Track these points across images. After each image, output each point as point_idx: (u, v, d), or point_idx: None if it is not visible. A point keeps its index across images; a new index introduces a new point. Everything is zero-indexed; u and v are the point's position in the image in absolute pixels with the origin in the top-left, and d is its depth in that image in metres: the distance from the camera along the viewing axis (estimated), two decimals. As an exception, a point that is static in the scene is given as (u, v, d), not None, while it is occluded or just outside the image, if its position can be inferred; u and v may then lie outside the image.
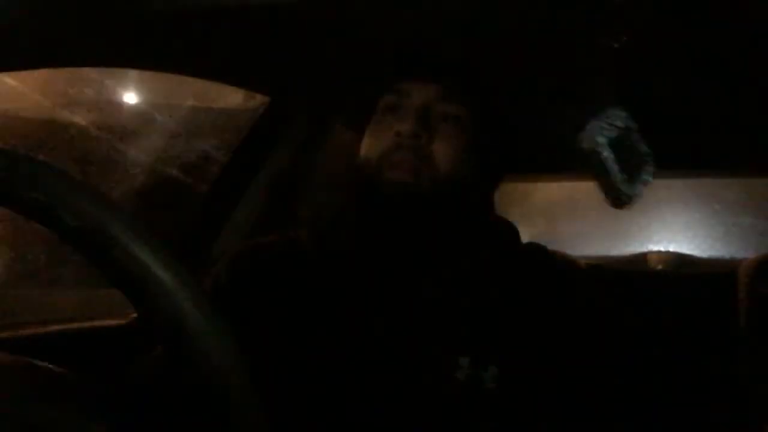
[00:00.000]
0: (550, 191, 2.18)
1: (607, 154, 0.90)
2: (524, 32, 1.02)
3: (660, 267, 1.58)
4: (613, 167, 0.90)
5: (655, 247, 2.06)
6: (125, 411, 0.57)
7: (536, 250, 1.06)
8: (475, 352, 0.92)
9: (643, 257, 1.66)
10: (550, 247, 1.08)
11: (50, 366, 0.57)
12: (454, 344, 0.93)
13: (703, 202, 2.18)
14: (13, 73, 1.48)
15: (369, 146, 1.00)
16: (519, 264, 1.01)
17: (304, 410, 0.91)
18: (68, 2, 0.94)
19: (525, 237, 1.08)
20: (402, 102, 0.99)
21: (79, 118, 1.82)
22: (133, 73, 1.86)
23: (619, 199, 0.91)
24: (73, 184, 0.44)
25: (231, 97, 1.83)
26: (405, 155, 0.95)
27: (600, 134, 0.90)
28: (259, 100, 1.60)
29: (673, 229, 2.21)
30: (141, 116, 2.00)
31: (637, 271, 1.60)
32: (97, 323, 1.37)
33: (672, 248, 2.00)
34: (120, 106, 1.97)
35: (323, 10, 1.04)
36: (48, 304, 1.43)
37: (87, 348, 1.31)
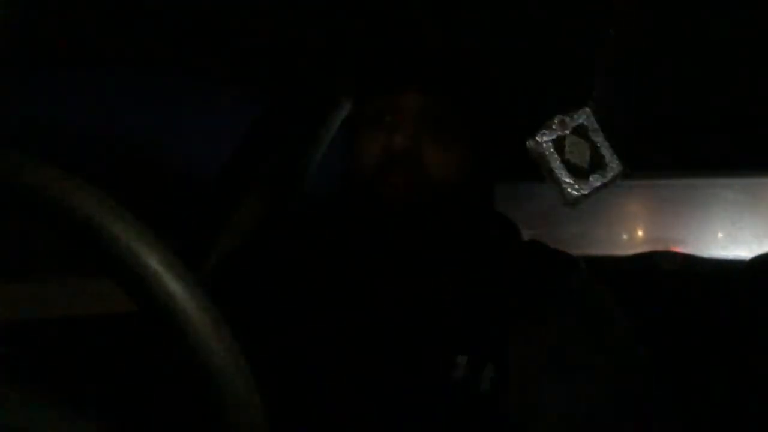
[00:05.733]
0: (552, 191, 2.17)
1: (550, 154, 0.91)
2: (521, 38, 1.02)
3: (664, 268, 1.57)
4: (557, 169, 0.91)
5: (655, 248, 2.05)
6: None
7: (537, 248, 1.06)
8: (473, 351, 0.91)
9: (646, 257, 1.65)
10: (552, 246, 1.08)
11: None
12: (452, 343, 0.92)
13: (704, 202, 2.18)
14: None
15: (360, 156, 0.97)
16: (519, 262, 1.01)
17: (298, 409, 0.91)
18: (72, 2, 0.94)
19: (527, 237, 1.08)
20: (394, 110, 0.96)
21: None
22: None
23: (564, 201, 0.92)
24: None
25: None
26: (398, 168, 0.93)
27: (546, 136, 0.91)
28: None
29: (674, 230, 2.21)
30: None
31: (642, 271, 1.60)
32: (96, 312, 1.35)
33: (672, 249, 2.00)
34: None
35: (321, 13, 1.04)
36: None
37: (89, 337, 1.30)
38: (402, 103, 0.96)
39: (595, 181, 0.92)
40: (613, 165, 0.93)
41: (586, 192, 0.92)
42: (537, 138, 0.91)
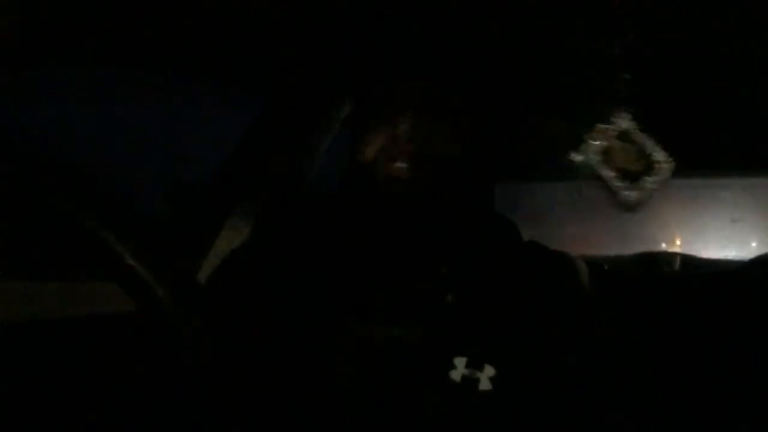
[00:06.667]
0: (552, 191, 2.17)
1: (599, 164, 0.91)
2: (525, 29, 1.02)
3: (664, 268, 1.58)
4: (608, 175, 0.91)
5: (655, 248, 2.06)
6: None
7: (537, 249, 1.06)
8: (471, 352, 0.91)
9: (646, 258, 1.66)
10: (552, 247, 1.08)
11: None
12: (450, 343, 0.92)
13: (704, 202, 2.18)
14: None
15: (367, 144, 0.99)
16: (519, 262, 1.01)
17: (293, 409, 0.91)
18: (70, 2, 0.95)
19: (527, 237, 1.08)
20: (399, 99, 0.98)
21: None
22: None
23: (622, 204, 0.92)
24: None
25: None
26: (403, 152, 0.95)
27: (592, 145, 0.91)
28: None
29: (673, 230, 2.21)
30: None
31: (642, 271, 1.60)
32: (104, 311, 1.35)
33: (672, 249, 2.00)
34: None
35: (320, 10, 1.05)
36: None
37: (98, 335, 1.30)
38: (410, 93, 0.97)
39: (650, 183, 0.93)
40: (665, 164, 0.93)
41: (642, 196, 0.93)
42: (582, 150, 0.92)
